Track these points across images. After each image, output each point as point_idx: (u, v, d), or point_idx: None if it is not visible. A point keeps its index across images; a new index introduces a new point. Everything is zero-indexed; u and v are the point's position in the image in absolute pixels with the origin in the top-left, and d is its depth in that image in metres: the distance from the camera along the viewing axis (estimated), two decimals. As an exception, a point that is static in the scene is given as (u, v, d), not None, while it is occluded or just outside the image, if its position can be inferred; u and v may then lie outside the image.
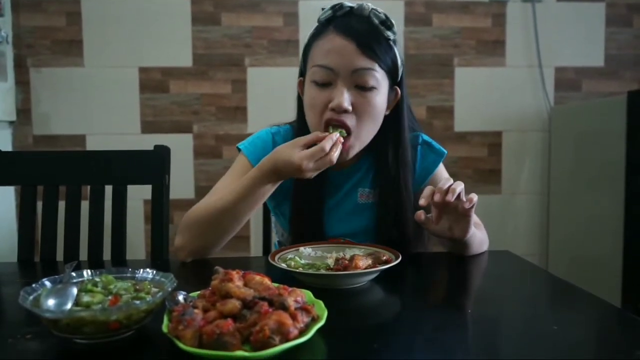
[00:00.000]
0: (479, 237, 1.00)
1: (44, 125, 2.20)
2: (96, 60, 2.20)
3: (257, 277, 0.63)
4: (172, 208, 2.01)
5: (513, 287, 0.88)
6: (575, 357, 0.56)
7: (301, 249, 0.93)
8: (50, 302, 0.58)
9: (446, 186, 0.87)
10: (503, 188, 2.37)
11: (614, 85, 2.35)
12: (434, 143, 1.13)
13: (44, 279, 0.64)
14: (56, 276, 0.65)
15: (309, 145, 0.89)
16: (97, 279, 0.66)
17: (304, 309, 0.58)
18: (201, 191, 2.24)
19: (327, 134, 0.91)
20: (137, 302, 0.59)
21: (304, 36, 1.06)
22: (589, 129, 2.06)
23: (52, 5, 2.17)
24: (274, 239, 1.28)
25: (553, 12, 2.32)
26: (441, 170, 1.13)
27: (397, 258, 0.84)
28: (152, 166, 1.17)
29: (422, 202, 0.88)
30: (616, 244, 1.83)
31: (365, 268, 0.80)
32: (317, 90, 0.97)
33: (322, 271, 0.81)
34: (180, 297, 0.62)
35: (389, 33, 0.96)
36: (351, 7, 0.98)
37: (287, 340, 0.53)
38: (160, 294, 0.60)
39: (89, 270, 0.68)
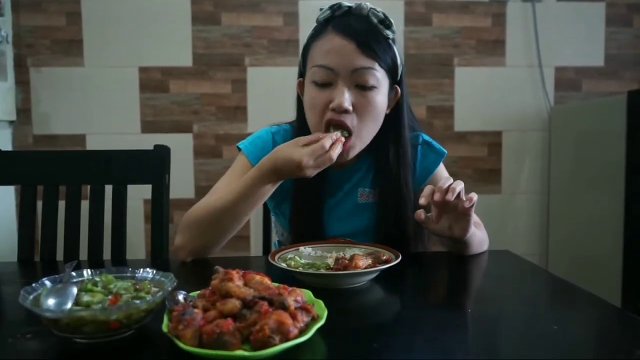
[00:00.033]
0: (479, 236, 1.00)
1: (44, 125, 2.20)
2: (96, 60, 2.20)
3: (257, 277, 0.63)
4: (172, 208, 2.02)
5: (513, 286, 0.88)
6: (575, 357, 0.56)
7: (301, 248, 0.93)
8: (50, 302, 0.58)
9: (446, 185, 0.87)
10: (503, 188, 2.37)
11: (614, 85, 2.35)
12: (434, 143, 1.13)
13: (44, 279, 0.64)
14: (56, 276, 0.65)
15: (309, 145, 0.89)
16: (97, 279, 0.66)
17: (304, 308, 0.58)
18: (201, 191, 2.23)
19: (327, 134, 0.91)
20: (137, 301, 0.59)
21: (304, 36, 1.06)
22: (589, 129, 2.05)
23: (52, 5, 2.17)
24: (274, 238, 1.28)
25: (553, 12, 2.31)
26: (441, 170, 1.13)
27: (397, 258, 0.84)
28: (152, 166, 1.17)
29: (422, 201, 0.88)
30: (616, 244, 1.83)
31: (365, 268, 0.80)
32: (317, 90, 0.97)
33: (322, 271, 0.81)
34: (180, 297, 0.62)
35: (388, 32, 0.96)
36: (350, 7, 0.97)
37: (287, 339, 0.53)
38: (160, 293, 0.60)
39: (89, 270, 0.68)
